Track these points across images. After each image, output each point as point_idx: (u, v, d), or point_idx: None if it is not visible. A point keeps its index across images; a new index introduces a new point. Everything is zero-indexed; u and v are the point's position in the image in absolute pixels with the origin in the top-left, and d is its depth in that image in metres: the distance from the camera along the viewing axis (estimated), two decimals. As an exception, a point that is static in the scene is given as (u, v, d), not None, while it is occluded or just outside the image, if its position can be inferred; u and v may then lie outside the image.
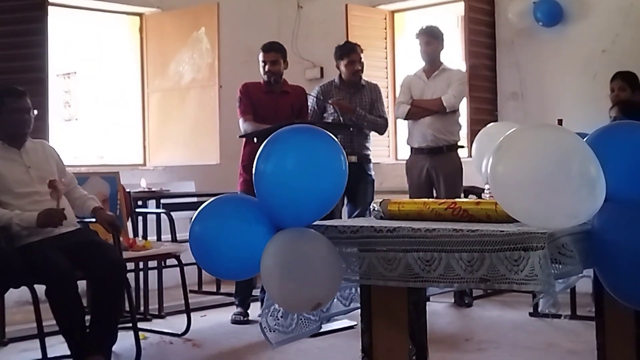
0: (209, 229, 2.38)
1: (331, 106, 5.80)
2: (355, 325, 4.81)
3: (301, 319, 2.54)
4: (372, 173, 5.96)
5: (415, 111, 6.03)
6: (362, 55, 5.95)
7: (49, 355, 3.98)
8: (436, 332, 4.69)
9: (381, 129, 6.04)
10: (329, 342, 4.68)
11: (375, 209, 2.53)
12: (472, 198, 2.71)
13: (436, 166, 5.95)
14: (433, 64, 6.11)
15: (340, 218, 5.59)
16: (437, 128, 5.96)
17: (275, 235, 2.29)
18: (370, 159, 5.94)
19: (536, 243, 1.95)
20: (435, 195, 5.93)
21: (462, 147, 6.19)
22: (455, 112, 6.07)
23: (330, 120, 5.73)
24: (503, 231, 2.02)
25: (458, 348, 4.61)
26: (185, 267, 5.15)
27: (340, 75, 5.96)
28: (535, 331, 5.05)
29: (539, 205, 1.97)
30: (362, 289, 2.42)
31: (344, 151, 2.35)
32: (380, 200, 2.55)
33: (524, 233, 1.98)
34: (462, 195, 5.87)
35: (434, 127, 5.96)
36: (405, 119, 6.15)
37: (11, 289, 4.02)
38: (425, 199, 2.53)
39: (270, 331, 2.50)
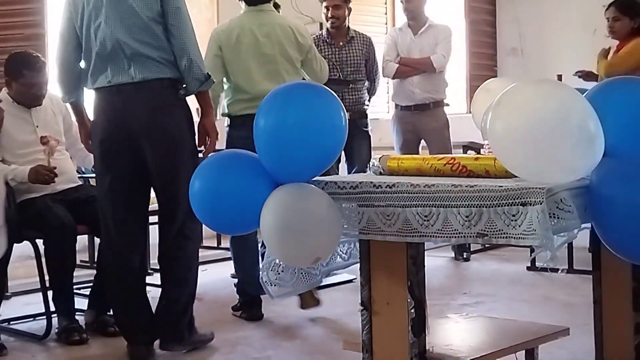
0: (210, 184, 2.39)
1: None
2: (355, 279, 4.85)
3: (302, 273, 2.56)
4: (369, 129, 5.68)
5: (404, 70, 5.88)
6: (347, 5, 5.63)
7: (51, 309, 4.03)
8: (435, 286, 4.73)
9: (373, 94, 5.94)
10: (329, 295, 4.72)
11: (375, 164, 2.54)
12: (471, 154, 2.72)
13: (425, 122, 5.85)
14: (418, 20, 5.96)
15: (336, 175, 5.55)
16: (426, 87, 5.84)
17: (275, 190, 2.30)
18: (366, 114, 5.69)
19: (534, 198, 1.96)
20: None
21: (447, 105, 6.10)
22: (442, 70, 5.96)
23: None
24: (501, 186, 2.03)
25: (456, 301, 4.66)
26: (185, 222, 5.16)
27: (327, 28, 5.75)
28: (532, 285, 5.10)
29: (538, 160, 1.98)
30: (361, 243, 2.43)
31: (344, 107, 2.36)
32: (380, 156, 2.56)
33: (522, 188, 1.99)
34: (462, 150, 5.86)
35: (423, 86, 5.83)
36: (393, 78, 6.03)
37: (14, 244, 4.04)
38: (425, 155, 2.54)
39: (271, 285, 2.52)
